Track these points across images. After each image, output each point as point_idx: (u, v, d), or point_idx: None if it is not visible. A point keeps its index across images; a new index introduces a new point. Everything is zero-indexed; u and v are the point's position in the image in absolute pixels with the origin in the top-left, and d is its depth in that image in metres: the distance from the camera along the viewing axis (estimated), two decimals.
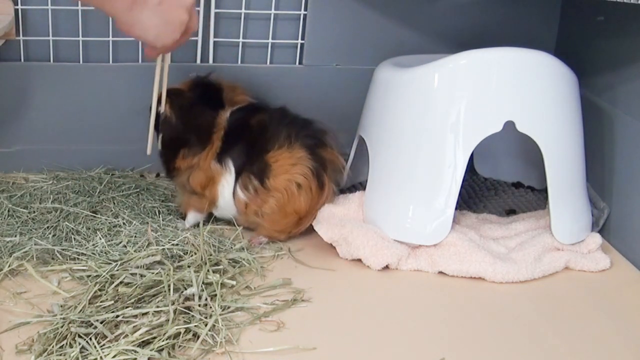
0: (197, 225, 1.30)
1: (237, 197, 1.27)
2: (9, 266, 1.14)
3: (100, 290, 1.08)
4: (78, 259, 1.18)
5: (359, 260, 1.24)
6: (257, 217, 1.27)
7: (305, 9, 1.53)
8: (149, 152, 1.26)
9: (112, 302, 1.05)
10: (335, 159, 1.30)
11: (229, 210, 1.30)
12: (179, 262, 1.16)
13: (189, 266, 1.14)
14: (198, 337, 0.99)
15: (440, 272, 1.23)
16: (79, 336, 0.97)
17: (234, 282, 1.14)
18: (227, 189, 1.28)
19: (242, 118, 1.28)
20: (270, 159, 1.25)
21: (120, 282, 1.09)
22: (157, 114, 1.28)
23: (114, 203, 1.38)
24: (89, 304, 1.05)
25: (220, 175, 1.27)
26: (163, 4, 1.05)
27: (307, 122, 1.29)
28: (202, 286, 1.09)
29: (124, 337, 0.97)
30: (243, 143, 1.27)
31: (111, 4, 1.04)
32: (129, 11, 1.03)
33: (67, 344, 0.96)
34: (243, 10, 1.51)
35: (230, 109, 1.30)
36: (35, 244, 1.21)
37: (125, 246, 1.21)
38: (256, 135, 1.27)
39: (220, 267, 1.17)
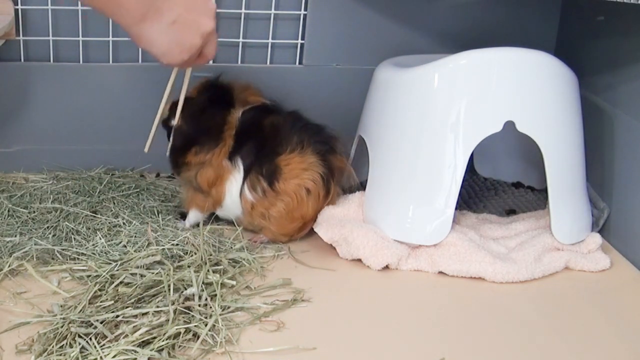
0: (197, 225, 1.30)
1: (244, 197, 1.27)
2: (9, 266, 1.14)
3: (100, 290, 1.08)
4: (78, 259, 1.18)
5: (359, 260, 1.24)
6: (263, 220, 1.27)
7: (305, 9, 1.53)
8: (146, 149, 1.26)
9: (112, 302, 1.05)
10: (344, 166, 1.31)
11: (234, 210, 1.29)
12: (179, 262, 1.16)
13: (189, 266, 1.14)
14: (198, 337, 0.99)
15: (440, 272, 1.23)
16: (79, 336, 0.97)
17: (234, 282, 1.14)
18: (235, 187, 1.28)
19: (254, 118, 1.28)
20: (282, 162, 1.25)
21: (120, 282, 1.09)
22: (166, 123, 1.29)
23: (114, 203, 1.38)
24: (89, 304, 1.05)
25: (229, 173, 1.27)
26: (177, 24, 1.04)
27: (319, 127, 1.29)
28: (202, 286, 1.09)
29: (124, 337, 0.97)
30: (253, 143, 1.27)
31: (120, 15, 1.03)
32: (139, 24, 1.02)
33: (67, 344, 0.96)
34: (243, 10, 1.51)
35: (242, 108, 1.29)
36: (35, 244, 1.21)
37: (125, 246, 1.21)
38: (268, 137, 1.27)
39: (220, 267, 1.17)
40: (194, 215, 1.31)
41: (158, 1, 1.03)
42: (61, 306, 1.05)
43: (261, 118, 1.28)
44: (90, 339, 0.96)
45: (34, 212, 1.33)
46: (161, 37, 1.04)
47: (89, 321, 0.99)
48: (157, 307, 1.03)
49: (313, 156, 1.26)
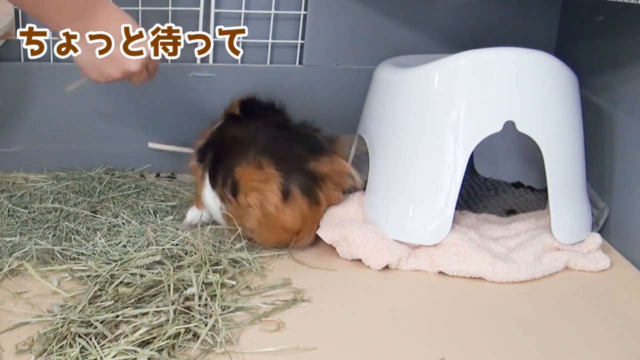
0: (195, 225, 1.30)
1: (221, 208, 1.27)
2: (9, 266, 1.14)
3: (100, 290, 1.08)
4: (78, 259, 1.18)
5: (359, 260, 1.24)
6: (247, 232, 1.25)
7: (305, 9, 1.53)
8: (68, 90, 1.27)
9: (112, 302, 1.05)
10: (339, 167, 1.28)
11: (214, 215, 1.31)
12: (179, 262, 1.16)
13: (189, 266, 1.14)
14: (198, 337, 0.99)
15: (440, 272, 1.23)
16: (79, 336, 0.97)
17: (234, 282, 1.14)
18: (207, 194, 1.29)
19: (223, 127, 1.31)
20: (237, 174, 1.23)
21: (120, 282, 1.09)
22: None
23: (114, 203, 1.38)
24: (89, 304, 1.05)
25: (201, 180, 1.29)
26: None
27: (307, 136, 1.27)
28: (202, 286, 1.09)
29: (124, 337, 0.97)
30: (217, 153, 1.28)
31: (49, 25, 1.06)
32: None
33: (67, 344, 0.96)
34: (243, 10, 1.52)
35: (224, 119, 1.33)
36: (35, 244, 1.21)
37: (125, 246, 1.21)
38: (231, 148, 1.27)
39: (220, 267, 1.17)
40: (190, 214, 1.32)
41: (90, 26, 1.05)
42: (61, 306, 1.06)
43: (231, 128, 1.30)
44: (90, 339, 0.96)
45: (34, 212, 1.33)
46: (83, 54, 1.08)
47: (89, 321, 0.99)
48: (157, 307, 1.03)
49: (269, 167, 1.22)
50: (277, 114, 1.35)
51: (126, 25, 1.08)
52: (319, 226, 1.27)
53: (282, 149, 1.25)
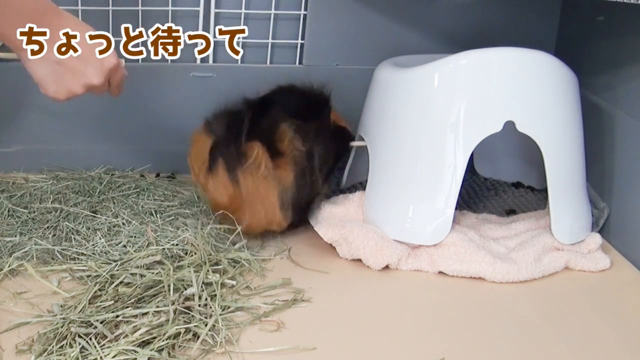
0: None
1: None
2: (9, 266, 1.14)
3: (100, 290, 1.08)
4: (78, 259, 1.18)
5: (359, 260, 1.24)
6: None
7: (305, 9, 1.53)
8: None
9: (112, 302, 1.05)
10: (251, 151, 1.22)
11: None
12: (179, 262, 1.16)
13: (189, 266, 1.14)
14: (198, 337, 0.99)
15: (440, 272, 1.23)
16: (79, 336, 0.97)
17: (234, 282, 1.14)
18: None
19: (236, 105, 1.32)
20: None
21: (120, 282, 1.10)
22: None
23: (114, 203, 1.38)
24: (89, 304, 1.05)
25: None
26: (62, 66, 1.04)
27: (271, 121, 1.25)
28: (202, 286, 1.09)
29: (124, 337, 0.97)
30: None
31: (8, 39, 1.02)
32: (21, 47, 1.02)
33: (67, 344, 0.96)
34: (243, 10, 1.52)
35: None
36: (35, 244, 1.21)
37: (125, 246, 1.21)
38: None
39: (220, 267, 1.17)
40: None
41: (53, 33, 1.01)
42: (61, 306, 1.06)
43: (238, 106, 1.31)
44: (90, 339, 0.96)
45: (34, 212, 1.33)
46: (41, 68, 1.03)
47: (89, 321, 0.99)
48: (157, 307, 1.03)
49: (201, 133, 1.25)
50: (294, 102, 1.32)
51: (126, 25, 1.07)
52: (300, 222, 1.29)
53: (228, 125, 1.24)
